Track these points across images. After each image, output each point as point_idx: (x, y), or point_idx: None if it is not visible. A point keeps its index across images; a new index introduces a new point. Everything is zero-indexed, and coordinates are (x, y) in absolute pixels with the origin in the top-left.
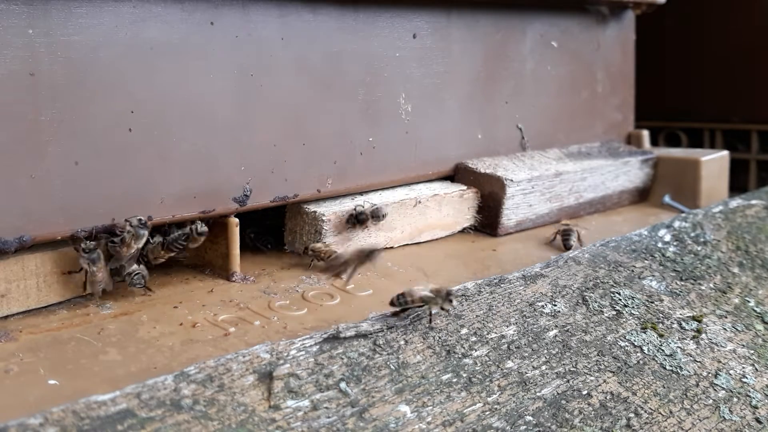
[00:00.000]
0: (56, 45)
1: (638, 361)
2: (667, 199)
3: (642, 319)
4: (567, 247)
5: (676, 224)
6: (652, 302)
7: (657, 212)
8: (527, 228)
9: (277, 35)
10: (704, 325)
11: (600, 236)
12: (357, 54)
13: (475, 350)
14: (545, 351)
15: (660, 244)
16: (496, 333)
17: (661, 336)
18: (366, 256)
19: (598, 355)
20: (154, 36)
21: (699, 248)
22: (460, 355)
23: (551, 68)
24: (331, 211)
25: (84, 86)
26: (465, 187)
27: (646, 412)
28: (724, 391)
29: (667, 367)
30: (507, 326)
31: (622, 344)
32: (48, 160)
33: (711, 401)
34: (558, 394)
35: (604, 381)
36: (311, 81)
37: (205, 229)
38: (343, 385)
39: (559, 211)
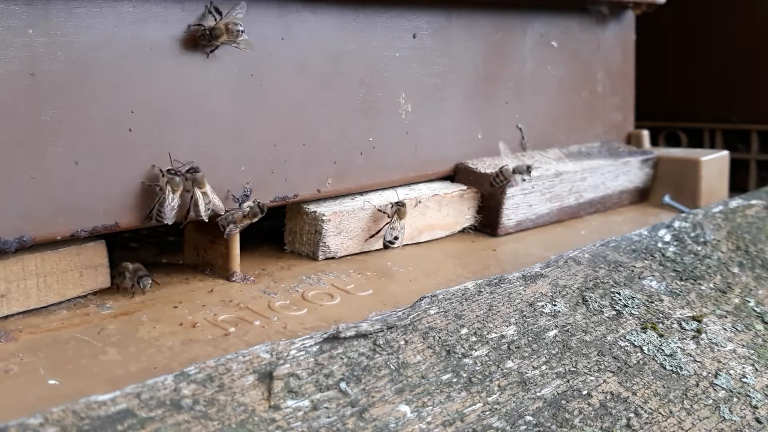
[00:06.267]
0: (56, 45)
1: (638, 361)
2: (667, 199)
3: (642, 319)
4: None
5: (676, 224)
6: (652, 302)
7: (657, 212)
8: (527, 228)
9: (277, 35)
10: (704, 325)
11: (600, 236)
12: (357, 54)
13: (475, 350)
14: (545, 351)
15: (660, 244)
16: (496, 333)
17: (661, 336)
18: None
19: (598, 355)
20: (154, 36)
21: (699, 248)
22: (460, 355)
23: (551, 68)
24: (331, 211)
25: (84, 86)
26: (465, 187)
27: (646, 412)
28: (724, 391)
29: (667, 367)
30: (507, 326)
31: (622, 344)
32: (48, 160)
33: (711, 401)
34: (558, 394)
35: (604, 381)
36: (311, 81)
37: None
38: (343, 385)
39: (559, 211)
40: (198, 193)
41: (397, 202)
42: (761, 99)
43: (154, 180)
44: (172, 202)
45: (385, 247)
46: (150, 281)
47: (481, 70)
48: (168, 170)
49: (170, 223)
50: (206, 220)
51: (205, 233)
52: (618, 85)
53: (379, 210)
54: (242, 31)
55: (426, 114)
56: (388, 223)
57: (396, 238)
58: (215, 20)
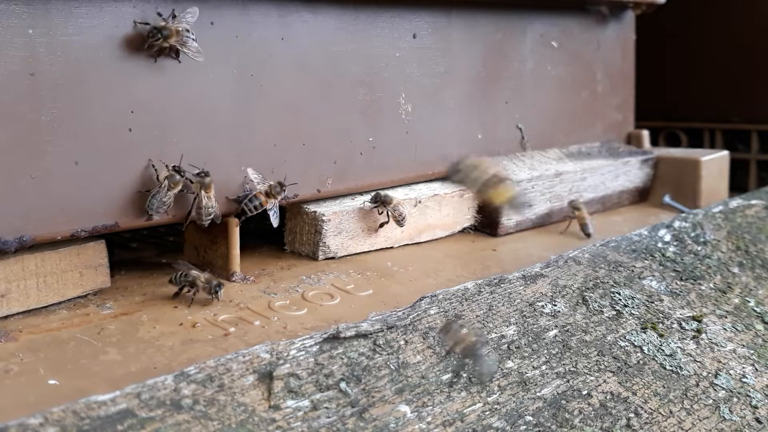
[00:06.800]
0: (56, 45)
1: (638, 361)
2: (667, 199)
3: (642, 319)
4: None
5: (676, 224)
6: (652, 302)
7: (657, 212)
8: (527, 228)
9: (277, 35)
10: (704, 325)
11: (600, 236)
12: (357, 54)
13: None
14: (545, 351)
15: (660, 244)
16: (496, 333)
17: (661, 336)
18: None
19: (598, 355)
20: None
21: (699, 248)
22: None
23: (551, 68)
24: (331, 211)
25: (84, 86)
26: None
27: (646, 412)
28: (724, 391)
29: (667, 367)
30: (507, 326)
31: (622, 344)
32: (48, 160)
33: (711, 401)
34: (558, 394)
35: (604, 381)
36: (311, 81)
37: None
38: (343, 385)
39: (560, 211)
40: (203, 195)
41: (373, 200)
42: (761, 99)
43: (159, 170)
44: (164, 197)
45: (401, 226)
46: (223, 287)
47: (481, 70)
48: (173, 167)
49: (155, 216)
50: (205, 226)
51: (205, 233)
52: (618, 85)
53: (374, 207)
54: (193, 39)
55: (426, 114)
56: (387, 213)
57: (403, 217)
58: (165, 20)
